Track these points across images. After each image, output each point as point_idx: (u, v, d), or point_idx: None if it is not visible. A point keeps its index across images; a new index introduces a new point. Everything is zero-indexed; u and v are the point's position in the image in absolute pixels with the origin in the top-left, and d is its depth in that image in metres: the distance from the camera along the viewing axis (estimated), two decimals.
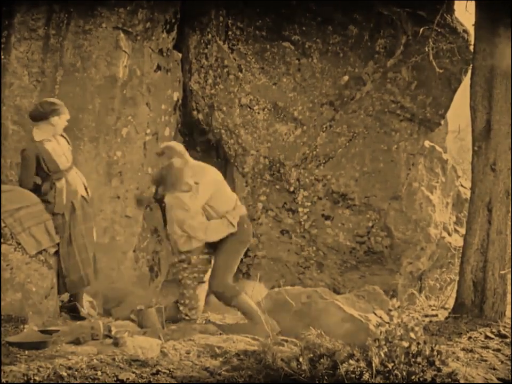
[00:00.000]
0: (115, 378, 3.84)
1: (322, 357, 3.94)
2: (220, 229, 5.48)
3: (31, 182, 5.57)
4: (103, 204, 6.83)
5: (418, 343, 3.96)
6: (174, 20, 7.34)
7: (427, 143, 8.29)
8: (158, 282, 7.41)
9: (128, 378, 3.85)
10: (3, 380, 3.69)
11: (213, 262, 5.58)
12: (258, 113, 7.68)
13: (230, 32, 7.60)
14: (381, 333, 4.07)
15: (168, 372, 4.02)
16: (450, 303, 6.70)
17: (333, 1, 7.51)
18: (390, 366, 3.83)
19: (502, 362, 5.07)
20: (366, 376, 3.77)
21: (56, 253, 5.57)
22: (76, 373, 3.85)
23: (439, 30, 7.38)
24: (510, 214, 6.24)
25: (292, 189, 7.84)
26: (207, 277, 5.55)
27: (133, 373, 3.94)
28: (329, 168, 7.80)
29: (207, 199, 5.45)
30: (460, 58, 7.63)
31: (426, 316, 6.57)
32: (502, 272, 6.17)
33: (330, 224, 7.88)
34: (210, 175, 5.63)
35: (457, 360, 4.81)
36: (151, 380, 3.89)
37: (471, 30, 6.91)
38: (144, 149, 7.14)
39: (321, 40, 7.63)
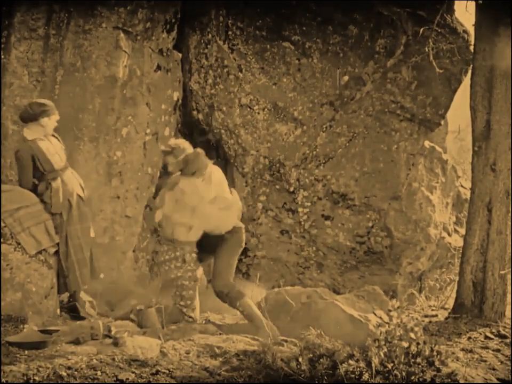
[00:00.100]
0: (115, 378, 3.84)
1: (322, 357, 3.94)
2: (230, 220, 5.48)
3: (30, 181, 5.57)
4: (103, 204, 6.83)
5: (418, 343, 3.96)
6: (174, 19, 7.34)
7: (427, 143, 8.29)
8: (158, 282, 7.41)
9: (127, 378, 3.85)
10: (3, 380, 3.69)
11: (202, 262, 5.61)
12: (258, 113, 7.68)
13: (230, 32, 7.60)
14: (380, 333, 4.07)
15: (167, 372, 4.02)
16: (450, 303, 6.70)
17: (333, 1, 7.51)
18: (389, 366, 3.83)
19: (501, 362, 5.07)
20: (365, 376, 3.77)
21: (56, 252, 5.57)
22: (76, 372, 3.85)
23: (439, 30, 7.38)
24: (510, 214, 6.24)
25: (291, 189, 7.84)
26: (198, 276, 5.55)
27: (133, 373, 3.94)
28: (329, 168, 7.80)
29: (218, 191, 5.46)
30: (460, 59, 7.63)
31: (426, 316, 6.57)
32: (502, 272, 6.17)
33: (330, 224, 7.88)
34: (219, 170, 5.70)
35: (457, 360, 4.81)
36: (151, 379, 3.89)
37: (471, 30, 6.91)
38: (144, 149, 7.15)
39: (321, 40, 7.63)
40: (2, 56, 6.44)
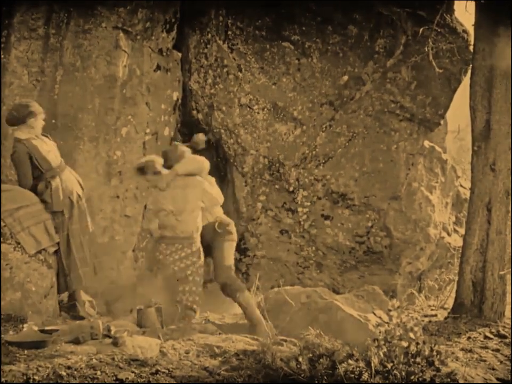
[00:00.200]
0: (114, 378, 3.84)
1: (321, 357, 3.93)
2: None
3: (30, 180, 5.56)
4: (103, 203, 6.83)
5: (417, 343, 3.96)
6: (173, 19, 7.34)
7: (427, 143, 8.29)
8: (158, 281, 7.40)
9: (127, 378, 3.85)
10: (2, 380, 3.69)
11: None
12: (258, 113, 7.68)
13: (229, 32, 7.60)
14: (380, 333, 4.08)
15: (167, 371, 4.02)
16: (450, 303, 6.70)
17: (333, 1, 7.51)
18: (389, 366, 3.83)
19: (501, 362, 5.06)
20: (365, 376, 3.77)
21: (56, 252, 5.57)
22: (75, 372, 3.85)
23: (438, 30, 7.38)
24: (509, 214, 6.24)
25: (291, 189, 7.84)
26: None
27: (132, 372, 3.94)
28: (329, 168, 7.80)
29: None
30: (459, 58, 7.63)
31: (425, 316, 6.57)
32: (501, 272, 6.16)
33: (330, 224, 7.88)
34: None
35: (457, 360, 4.81)
36: (150, 379, 3.89)
37: (471, 30, 6.91)
38: (143, 148, 7.15)
39: (321, 40, 7.63)
40: (2, 56, 6.44)
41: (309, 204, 7.85)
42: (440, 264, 8.55)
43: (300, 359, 3.93)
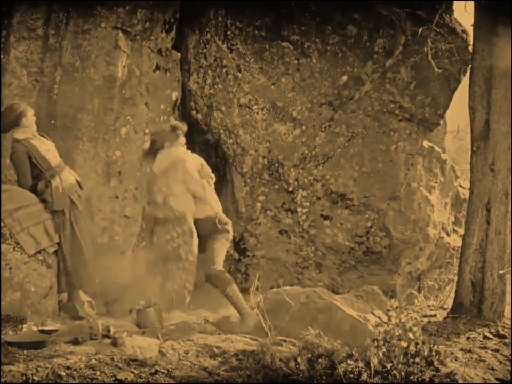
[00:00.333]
0: (113, 378, 3.84)
1: (320, 357, 3.94)
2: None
3: (29, 180, 5.58)
4: (102, 204, 6.83)
5: (416, 343, 3.96)
6: (173, 19, 7.34)
7: (426, 143, 8.28)
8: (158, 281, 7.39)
9: (126, 378, 3.85)
10: (2, 380, 3.69)
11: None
12: (257, 113, 7.68)
13: (229, 32, 7.60)
14: (379, 333, 4.08)
15: (166, 371, 4.03)
16: (449, 303, 6.70)
17: (332, 1, 7.51)
18: (388, 366, 3.83)
19: (500, 362, 5.07)
20: (364, 376, 3.78)
21: (55, 252, 5.58)
22: (75, 372, 3.85)
23: (438, 30, 7.37)
24: (509, 214, 6.24)
25: (290, 189, 7.83)
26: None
27: (132, 372, 3.94)
28: (328, 168, 7.80)
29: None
30: (458, 58, 7.63)
31: (424, 316, 6.57)
32: (501, 272, 6.17)
33: (329, 224, 7.87)
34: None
35: (456, 360, 4.81)
36: (150, 379, 3.89)
37: (470, 30, 6.90)
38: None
39: (320, 40, 7.63)
40: (1, 56, 6.44)
41: (308, 204, 7.84)
42: (440, 264, 8.55)
43: (299, 359, 3.94)
